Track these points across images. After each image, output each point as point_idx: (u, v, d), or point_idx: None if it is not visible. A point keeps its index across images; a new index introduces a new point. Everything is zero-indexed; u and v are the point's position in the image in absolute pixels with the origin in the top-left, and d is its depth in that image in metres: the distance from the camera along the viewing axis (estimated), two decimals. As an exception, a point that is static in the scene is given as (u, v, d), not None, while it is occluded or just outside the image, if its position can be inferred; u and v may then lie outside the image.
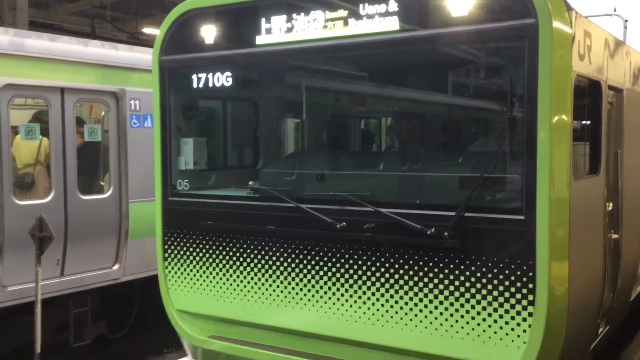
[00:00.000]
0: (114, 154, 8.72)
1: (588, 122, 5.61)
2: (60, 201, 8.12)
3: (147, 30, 20.17)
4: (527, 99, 4.44)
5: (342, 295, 5.19)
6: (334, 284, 5.23)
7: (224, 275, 5.82)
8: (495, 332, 4.60)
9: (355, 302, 5.14)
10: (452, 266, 4.72)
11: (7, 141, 7.60)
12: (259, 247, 5.59)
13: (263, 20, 5.44)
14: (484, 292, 4.62)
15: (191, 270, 6.01)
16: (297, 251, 5.39)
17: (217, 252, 5.84)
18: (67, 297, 8.33)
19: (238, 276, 5.74)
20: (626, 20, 23.87)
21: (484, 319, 4.64)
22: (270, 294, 5.56)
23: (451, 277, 4.73)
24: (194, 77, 5.95)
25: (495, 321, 4.60)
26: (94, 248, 8.49)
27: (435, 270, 4.79)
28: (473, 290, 4.65)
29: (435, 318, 4.81)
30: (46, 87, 8.02)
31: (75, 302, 8.44)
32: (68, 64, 8.27)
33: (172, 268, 6.13)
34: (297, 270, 5.40)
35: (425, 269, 4.82)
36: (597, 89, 5.44)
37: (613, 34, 6.14)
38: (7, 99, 7.60)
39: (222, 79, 5.83)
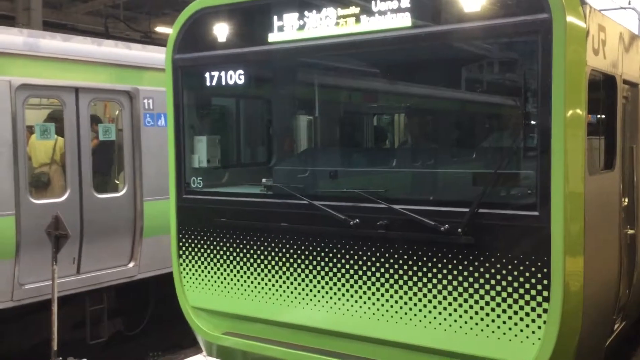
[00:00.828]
0: (128, 153, 8.77)
1: (603, 117, 5.57)
2: (76, 200, 8.19)
3: (160, 29, 20.26)
4: (541, 94, 4.41)
5: (356, 291, 5.20)
6: (347, 281, 5.23)
7: (238, 272, 5.85)
8: (510, 329, 4.59)
9: (369, 298, 5.14)
10: (466, 262, 4.71)
11: (23, 141, 7.67)
12: (272, 244, 5.61)
13: (275, 18, 5.45)
14: (498, 288, 4.60)
15: (205, 268, 6.04)
16: (310, 248, 5.40)
17: (231, 249, 5.87)
18: (83, 295, 8.40)
19: (252, 273, 5.76)
20: (641, 14, 23.54)
21: (498, 316, 4.62)
22: (284, 291, 5.58)
23: (465, 273, 4.72)
24: (207, 75, 5.98)
25: (510, 317, 4.58)
26: (110, 246, 8.56)
27: (449, 266, 4.78)
28: (487, 287, 4.64)
29: (450, 315, 4.80)
30: (60, 87, 8.08)
31: (91, 300, 8.51)
32: (82, 63, 8.32)
33: (187, 265, 6.16)
34: (310, 267, 5.41)
35: (439, 265, 4.82)
36: (612, 83, 5.40)
37: (628, 28, 6.08)
38: (22, 98, 7.66)
39: (235, 77, 5.85)
